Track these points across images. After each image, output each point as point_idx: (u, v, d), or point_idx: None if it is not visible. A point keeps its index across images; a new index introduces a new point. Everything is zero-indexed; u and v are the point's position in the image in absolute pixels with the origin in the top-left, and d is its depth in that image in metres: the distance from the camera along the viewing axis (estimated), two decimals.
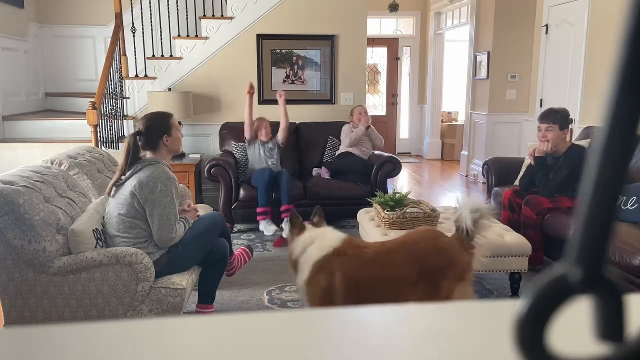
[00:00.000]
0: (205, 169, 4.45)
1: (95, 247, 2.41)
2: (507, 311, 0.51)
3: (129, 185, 2.49)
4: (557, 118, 3.53)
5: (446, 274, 2.22)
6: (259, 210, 4.30)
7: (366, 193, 4.42)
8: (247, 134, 4.62)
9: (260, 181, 4.30)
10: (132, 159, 2.54)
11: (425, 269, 2.21)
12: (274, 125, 4.74)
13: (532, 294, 0.28)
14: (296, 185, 4.58)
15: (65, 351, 0.46)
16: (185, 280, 2.50)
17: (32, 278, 2.28)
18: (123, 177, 2.54)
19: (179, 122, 2.81)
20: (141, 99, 5.21)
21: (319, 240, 2.26)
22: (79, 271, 2.31)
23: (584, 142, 3.87)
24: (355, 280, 2.17)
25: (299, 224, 2.37)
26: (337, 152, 4.99)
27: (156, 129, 2.62)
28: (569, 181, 3.46)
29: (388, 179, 4.74)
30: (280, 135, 4.68)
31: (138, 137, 2.58)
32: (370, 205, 3.53)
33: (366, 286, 2.19)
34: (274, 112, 5.19)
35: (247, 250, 3.15)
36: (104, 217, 2.58)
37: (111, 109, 4.73)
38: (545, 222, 3.48)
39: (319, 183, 4.66)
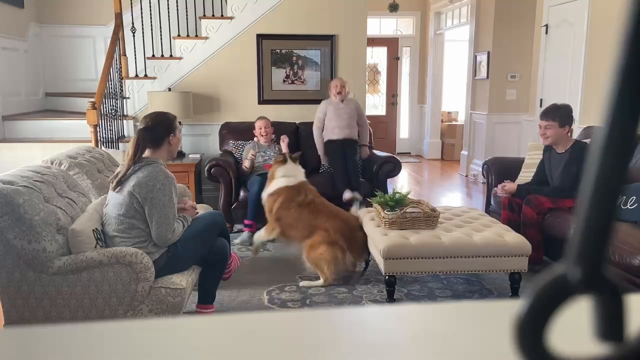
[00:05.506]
0: (205, 169, 4.45)
1: (95, 247, 2.41)
2: (507, 311, 0.51)
3: (128, 185, 2.48)
4: (557, 115, 3.53)
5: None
6: (246, 222, 4.24)
7: (366, 193, 4.41)
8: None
9: (250, 192, 4.24)
10: (139, 155, 2.54)
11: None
12: (277, 129, 4.73)
13: (532, 294, 0.28)
14: None
15: (65, 351, 0.46)
16: (185, 280, 2.50)
17: (32, 278, 2.28)
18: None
19: (179, 122, 2.81)
20: (141, 99, 5.21)
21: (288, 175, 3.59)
22: (79, 271, 2.31)
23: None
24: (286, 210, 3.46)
25: (283, 157, 3.67)
26: (325, 138, 4.81)
27: (163, 126, 2.62)
28: (579, 178, 3.46)
29: (388, 179, 4.74)
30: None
31: (145, 133, 2.57)
32: (370, 205, 3.53)
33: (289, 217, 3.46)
34: (274, 113, 5.20)
35: (237, 255, 3.24)
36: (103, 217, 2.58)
37: (111, 109, 4.73)
38: (546, 222, 3.48)
39: (318, 182, 4.65)
